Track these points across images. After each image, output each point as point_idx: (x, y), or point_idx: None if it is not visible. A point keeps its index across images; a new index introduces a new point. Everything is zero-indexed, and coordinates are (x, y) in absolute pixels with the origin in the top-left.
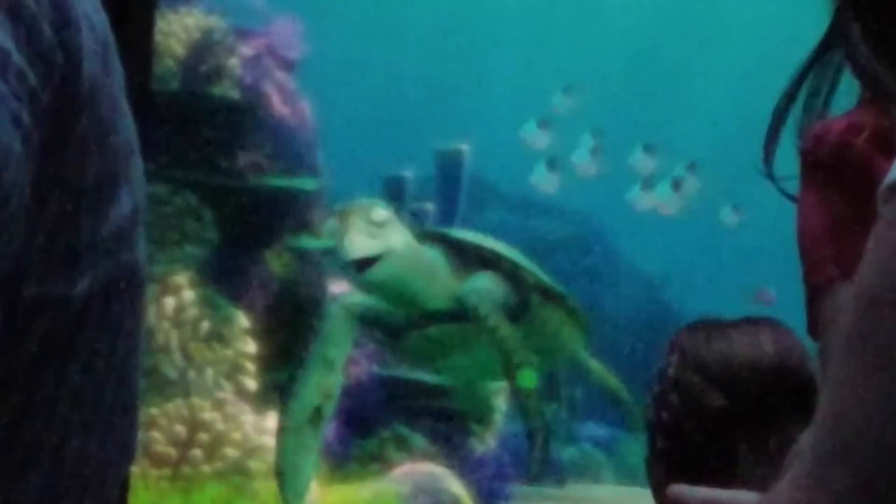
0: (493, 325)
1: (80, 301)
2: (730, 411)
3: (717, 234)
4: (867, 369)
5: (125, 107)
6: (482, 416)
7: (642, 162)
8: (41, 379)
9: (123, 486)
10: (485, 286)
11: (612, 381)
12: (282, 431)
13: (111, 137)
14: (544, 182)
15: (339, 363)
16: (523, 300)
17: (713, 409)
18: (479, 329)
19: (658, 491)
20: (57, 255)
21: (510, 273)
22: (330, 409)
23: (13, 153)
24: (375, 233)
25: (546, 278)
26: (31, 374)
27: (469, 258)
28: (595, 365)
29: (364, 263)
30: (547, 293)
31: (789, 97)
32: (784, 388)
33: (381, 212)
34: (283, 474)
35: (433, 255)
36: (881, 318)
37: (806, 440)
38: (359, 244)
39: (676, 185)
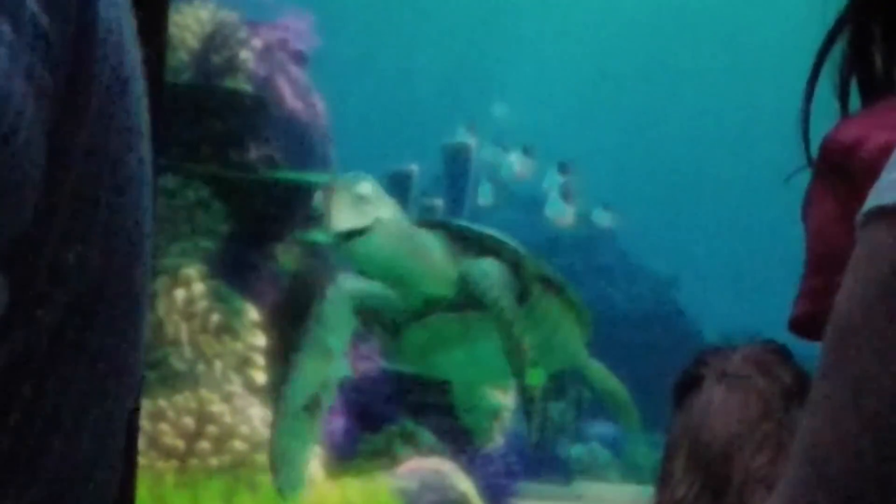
0: (502, 309)
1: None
2: None
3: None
4: (841, 399)
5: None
6: (480, 430)
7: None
8: (61, 356)
9: (130, 478)
10: (489, 269)
11: (612, 382)
12: (276, 418)
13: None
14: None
15: (337, 352)
16: (524, 289)
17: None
18: (485, 316)
19: None
20: (75, 214)
21: (511, 261)
22: (329, 398)
23: (27, 106)
24: (362, 207)
25: (547, 268)
26: (50, 352)
27: (469, 245)
28: (595, 366)
29: (350, 236)
30: (547, 283)
31: (809, 95)
32: None
33: (367, 186)
34: (276, 463)
35: (429, 238)
36: (855, 347)
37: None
38: (344, 217)
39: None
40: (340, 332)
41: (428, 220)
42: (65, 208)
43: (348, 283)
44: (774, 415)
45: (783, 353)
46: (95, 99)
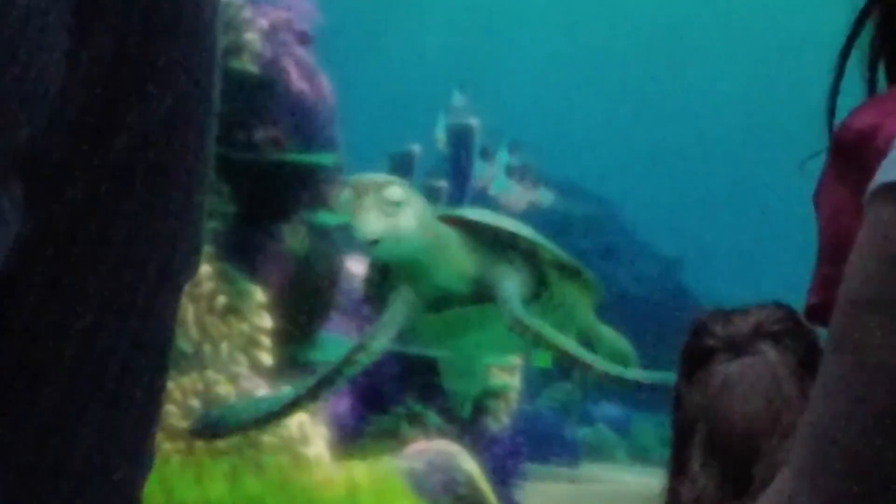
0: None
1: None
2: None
3: (732, 217)
4: (845, 374)
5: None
6: (466, 397)
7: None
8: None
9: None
10: (509, 285)
11: (623, 344)
12: (299, 406)
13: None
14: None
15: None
16: (541, 278)
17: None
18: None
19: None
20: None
21: (527, 252)
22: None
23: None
24: (389, 211)
25: (562, 254)
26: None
27: (486, 239)
28: (605, 330)
29: (375, 241)
30: (563, 269)
31: (837, 78)
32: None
33: (397, 190)
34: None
35: (449, 236)
36: (860, 324)
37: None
38: (371, 223)
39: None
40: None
41: (446, 215)
42: (81, 90)
43: (374, 345)
44: (793, 397)
45: (793, 318)
46: None
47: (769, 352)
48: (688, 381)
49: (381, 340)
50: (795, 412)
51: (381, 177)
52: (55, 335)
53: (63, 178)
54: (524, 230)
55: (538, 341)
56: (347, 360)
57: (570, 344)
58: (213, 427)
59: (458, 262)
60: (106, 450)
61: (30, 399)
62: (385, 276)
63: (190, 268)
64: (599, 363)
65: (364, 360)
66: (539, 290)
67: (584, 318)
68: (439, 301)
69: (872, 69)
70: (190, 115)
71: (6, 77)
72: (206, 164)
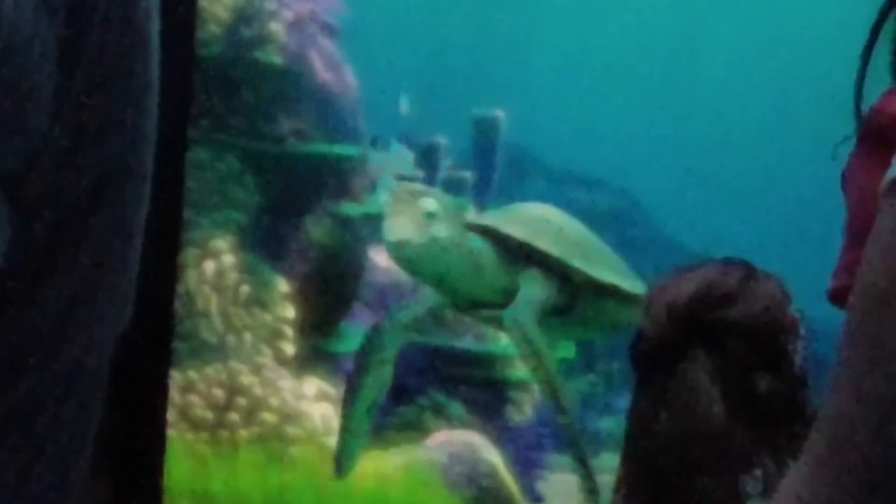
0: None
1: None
2: (643, 354)
3: (757, 210)
4: (863, 364)
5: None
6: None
7: None
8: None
9: (160, 449)
10: (527, 290)
11: None
12: (343, 430)
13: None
14: None
15: (392, 356)
16: (572, 297)
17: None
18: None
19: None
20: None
21: (558, 271)
22: (383, 397)
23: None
24: (422, 222)
25: (594, 271)
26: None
27: (516, 253)
28: None
29: (402, 247)
30: (598, 289)
31: (864, 65)
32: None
33: (432, 202)
34: (341, 457)
35: (481, 252)
36: (875, 317)
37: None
38: (401, 230)
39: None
40: (395, 345)
41: (477, 224)
42: (61, 129)
43: (399, 314)
44: (714, 414)
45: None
46: (97, 18)
47: (694, 367)
48: (647, 385)
49: (409, 312)
50: (718, 429)
51: (419, 187)
52: None
53: (32, 212)
54: (560, 244)
55: (527, 352)
56: (375, 329)
57: (554, 376)
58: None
59: (490, 276)
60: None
61: None
62: None
63: (122, 321)
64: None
65: (394, 332)
66: (567, 309)
67: (629, 322)
68: (470, 307)
69: None
70: (138, 170)
71: (4, 104)
72: (141, 221)
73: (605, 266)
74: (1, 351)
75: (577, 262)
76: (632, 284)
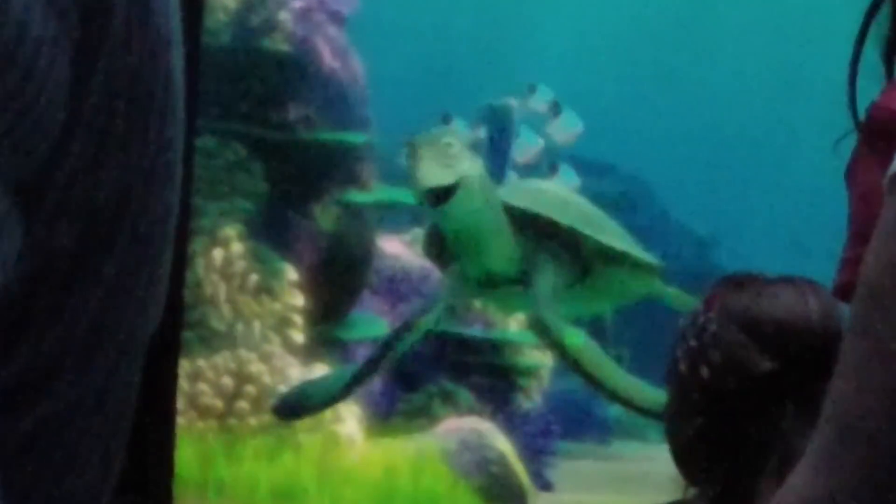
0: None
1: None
2: (778, 374)
3: (767, 197)
4: (864, 360)
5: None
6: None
7: None
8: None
9: (169, 437)
10: (542, 281)
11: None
12: (330, 398)
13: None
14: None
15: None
16: (584, 265)
17: (761, 372)
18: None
19: (685, 445)
20: (91, 141)
21: (569, 241)
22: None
23: (48, 31)
24: (448, 162)
25: (604, 239)
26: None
27: (527, 225)
28: (673, 291)
29: (438, 196)
30: (607, 256)
31: (855, 58)
32: (829, 349)
33: (451, 140)
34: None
35: (504, 217)
36: (879, 310)
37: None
38: (432, 174)
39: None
40: (409, 346)
41: None
42: (81, 135)
43: (422, 324)
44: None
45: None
46: (116, 23)
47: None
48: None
49: (430, 318)
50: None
51: (433, 130)
52: (20, 384)
53: (54, 221)
54: (568, 215)
55: (553, 347)
56: (397, 336)
57: (601, 363)
58: (292, 408)
59: (507, 245)
60: None
61: None
62: (442, 248)
63: (152, 328)
64: (622, 388)
65: (413, 337)
66: (580, 276)
67: (641, 291)
68: (486, 282)
69: (891, 51)
70: (163, 176)
71: (14, 106)
72: (172, 225)
73: (613, 235)
74: (33, 361)
75: (588, 230)
76: (641, 253)
